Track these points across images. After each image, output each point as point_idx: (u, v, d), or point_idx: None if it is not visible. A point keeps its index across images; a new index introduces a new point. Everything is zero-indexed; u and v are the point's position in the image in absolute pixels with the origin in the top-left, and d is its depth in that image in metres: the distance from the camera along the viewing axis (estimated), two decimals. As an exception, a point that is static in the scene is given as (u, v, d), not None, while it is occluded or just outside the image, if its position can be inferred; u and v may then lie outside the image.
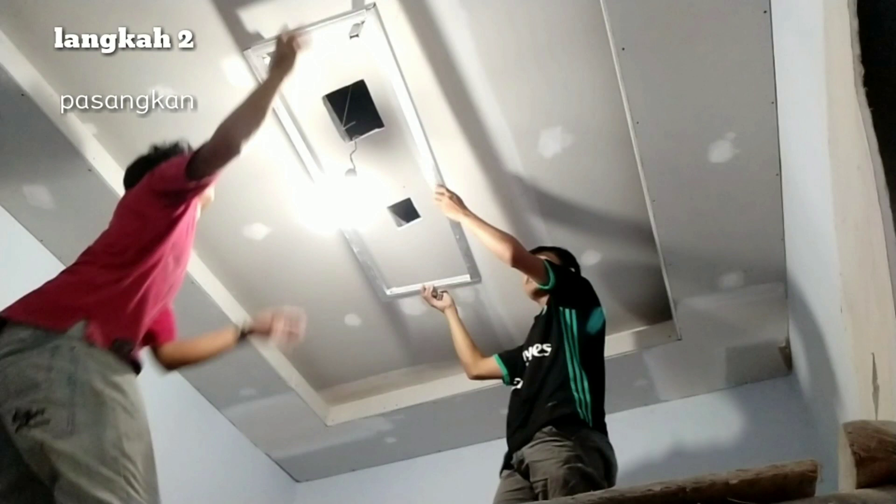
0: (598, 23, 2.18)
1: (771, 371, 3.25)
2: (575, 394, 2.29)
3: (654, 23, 2.10)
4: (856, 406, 1.89)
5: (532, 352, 2.47)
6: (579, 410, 2.25)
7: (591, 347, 2.44)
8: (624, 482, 1.01)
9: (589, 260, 3.00)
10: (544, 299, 2.54)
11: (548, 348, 2.41)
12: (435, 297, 2.86)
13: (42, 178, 2.48)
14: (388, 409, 3.55)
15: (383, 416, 3.59)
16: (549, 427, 2.20)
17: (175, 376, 3.19)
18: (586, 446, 2.16)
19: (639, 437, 3.38)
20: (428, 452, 3.72)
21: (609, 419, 3.54)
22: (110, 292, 1.68)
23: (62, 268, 2.72)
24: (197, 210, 1.94)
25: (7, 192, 2.52)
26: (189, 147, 2.00)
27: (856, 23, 1.26)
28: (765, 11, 2.07)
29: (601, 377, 2.40)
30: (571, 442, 2.15)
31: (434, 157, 2.58)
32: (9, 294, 2.55)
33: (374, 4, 2.17)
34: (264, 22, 2.25)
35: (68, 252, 2.71)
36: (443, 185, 2.60)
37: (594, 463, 2.15)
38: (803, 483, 0.88)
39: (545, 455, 2.13)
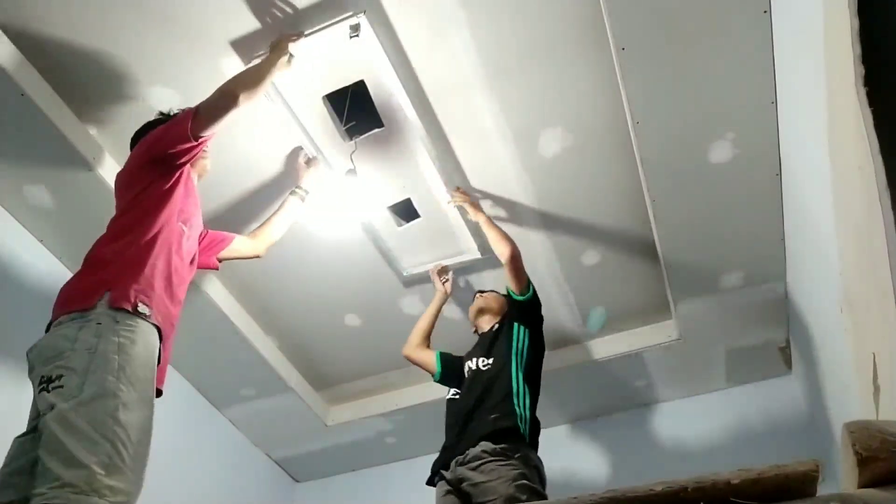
0: (598, 23, 2.18)
1: (771, 371, 3.25)
2: (517, 409, 2.39)
3: (654, 23, 2.10)
4: (856, 406, 1.89)
5: (474, 364, 2.57)
6: (520, 425, 2.36)
7: (535, 367, 2.56)
8: (624, 482, 1.01)
9: (589, 260, 3.00)
10: (490, 319, 2.73)
11: (491, 362, 2.53)
12: (441, 277, 3.00)
13: (42, 178, 2.48)
14: (388, 409, 3.56)
15: (383, 416, 3.59)
16: (489, 443, 2.28)
17: (175, 376, 3.20)
18: (529, 465, 2.26)
19: (639, 437, 3.39)
20: (428, 452, 3.69)
21: (609, 419, 3.56)
22: (122, 261, 1.80)
23: (62, 268, 2.77)
24: (193, 177, 2.09)
25: (7, 192, 2.52)
26: None
27: (856, 22, 1.26)
28: (765, 11, 2.08)
29: (537, 397, 2.51)
30: (516, 461, 2.23)
31: (434, 157, 2.59)
32: (9, 294, 2.56)
33: (374, 4, 2.18)
34: (263, 21, 2.25)
35: (68, 252, 2.71)
36: (459, 188, 2.75)
37: (534, 479, 2.24)
38: (805, 483, 0.88)
39: (492, 476, 2.21)
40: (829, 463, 1.68)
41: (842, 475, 0.91)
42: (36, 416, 1.66)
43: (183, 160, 1.97)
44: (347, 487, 3.86)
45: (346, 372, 3.55)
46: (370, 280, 3.08)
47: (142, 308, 1.73)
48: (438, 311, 2.99)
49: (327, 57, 2.33)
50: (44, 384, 1.59)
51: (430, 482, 2.47)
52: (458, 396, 2.60)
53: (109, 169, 2.51)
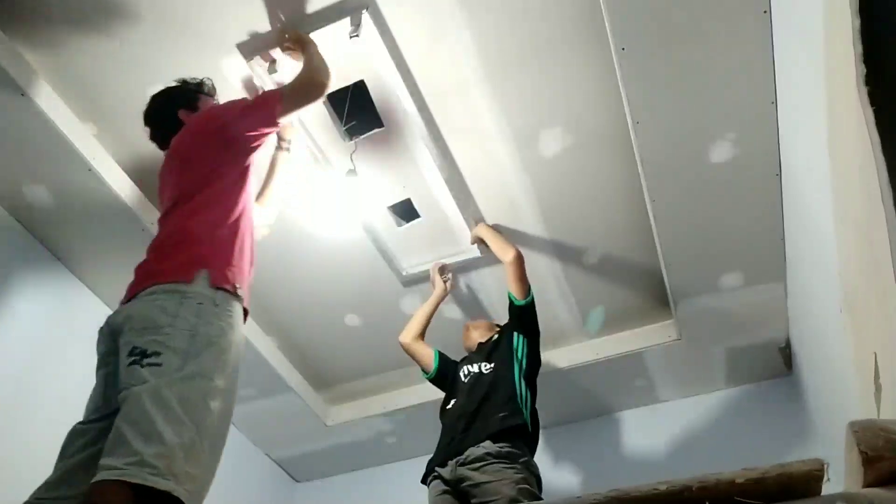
0: (598, 23, 2.18)
1: (771, 371, 3.25)
2: (523, 410, 2.44)
3: (654, 23, 2.10)
4: (856, 406, 1.89)
5: (476, 368, 2.61)
6: (528, 424, 2.41)
7: (533, 377, 2.60)
8: (623, 482, 1.01)
9: (589, 260, 3.00)
10: (484, 332, 2.83)
11: (493, 366, 2.57)
12: (441, 275, 3.00)
13: (42, 178, 2.47)
14: (388, 409, 3.55)
15: (383, 416, 3.59)
16: (492, 443, 2.29)
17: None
18: (531, 472, 2.30)
19: (639, 437, 3.39)
20: (428, 452, 3.63)
21: (609, 419, 3.55)
22: (217, 240, 1.77)
23: (62, 268, 2.76)
24: None
25: (7, 192, 2.51)
26: (213, 86, 2.20)
27: (857, 22, 1.26)
28: (765, 11, 2.08)
29: (535, 403, 2.55)
30: (519, 466, 2.27)
31: (434, 157, 2.59)
32: (8, 294, 2.55)
33: (374, 4, 2.18)
34: (263, 20, 2.25)
35: (68, 252, 2.71)
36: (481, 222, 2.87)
37: (534, 487, 2.28)
38: (809, 482, 0.88)
39: (496, 476, 2.23)
40: (830, 463, 1.68)
41: (846, 474, 0.91)
42: (101, 401, 1.61)
43: (258, 143, 1.96)
44: (347, 487, 3.86)
45: (346, 372, 3.55)
46: (370, 280, 3.08)
47: (239, 291, 1.71)
48: (436, 307, 3.00)
49: (327, 57, 2.32)
50: (137, 356, 1.51)
51: (424, 481, 2.47)
52: (452, 405, 2.61)
53: (109, 169, 2.51)
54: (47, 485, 1.55)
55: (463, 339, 2.94)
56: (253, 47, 2.28)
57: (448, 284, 3.02)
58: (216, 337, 1.59)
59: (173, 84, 2.18)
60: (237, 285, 1.72)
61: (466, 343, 2.91)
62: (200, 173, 1.89)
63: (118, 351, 1.60)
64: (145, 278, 1.69)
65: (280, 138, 2.49)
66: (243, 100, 2.12)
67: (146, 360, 1.49)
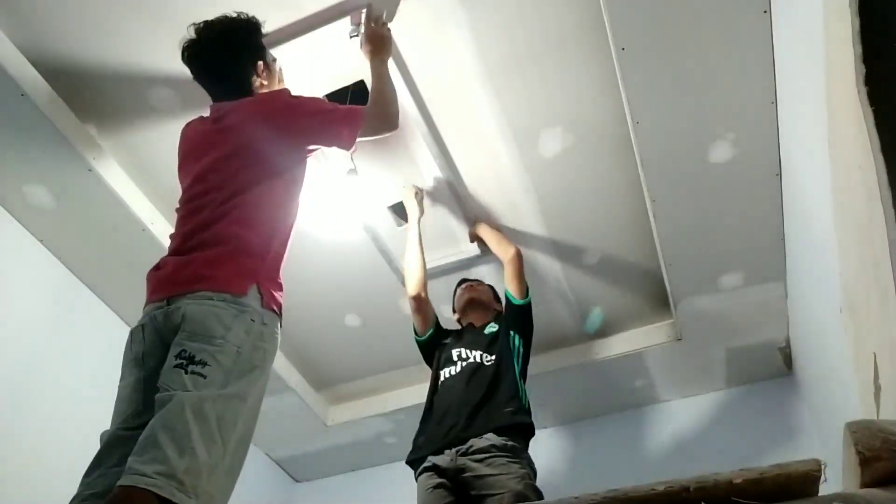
0: (598, 23, 2.18)
1: (771, 371, 3.25)
2: (526, 408, 2.42)
3: (654, 23, 2.10)
4: (856, 406, 1.89)
5: (477, 356, 2.54)
6: (533, 423, 2.40)
7: (525, 374, 2.58)
8: (624, 482, 1.01)
9: (589, 260, 3.00)
10: (482, 315, 2.73)
11: (494, 359, 2.52)
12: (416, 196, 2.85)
13: (42, 178, 2.48)
14: (388, 409, 3.55)
15: (383, 416, 3.59)
16: (496, 436, 2.27)
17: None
18: (531, 468, 2.29)
19: (638, 437, 3.39)
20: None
21: (609, 419, 3.55)
22: (270, 257, 1.76)
23: (62, 268, 2.75)
24: None
25: (7, 192, 2.51)
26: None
27: (857, 22, 1.26)
28: (765, 11, 2.08)
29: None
30: (522, 461, 2.26)
31: (435, 156, 2.59)
32: (8, 294, 2.55)
33: (375, 4, 2.18)
34: (262, 19, 2.24)
35: (68, 252, 2.71)
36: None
37: (534, 481, 2.26)
38: (807, 482, 0.88)
39: (501, 470, 2.21)
40: (830, 463, 1.68)
41: (843, 475, 0.91)
42: (141, 407, 1.56)
43: (319, 149, 1.92)
44: (347, 487, 3.86)
45: (346, 372, 3.55)
46: (370, 280, 3.08)
47: (282, 312, 1.71)
48: (420, 235, 2.81)
49: (327, 57, 2.33)
50: (184, 360, 1.49)
51: (411, 463, 2.42)
52: (447, 388, 2.53)
53: (109, 169, 2.51)
54: (95, 496, 1.49)
55: (460, 297, 2.82)
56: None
57: (423, 206, 2.82)
58: (259, 361, 1.58)
59: (241, 19, 1.95)
60: (282, 305, 1.72)
61: (462, 306, 2.80)
62: (264, 164, 1.79)
63: (160, 350, 1.58)
64: (194, 280, 1.62)
65: None
66: (325, 101, 2.06)
67: (191, 367, 1.48)
